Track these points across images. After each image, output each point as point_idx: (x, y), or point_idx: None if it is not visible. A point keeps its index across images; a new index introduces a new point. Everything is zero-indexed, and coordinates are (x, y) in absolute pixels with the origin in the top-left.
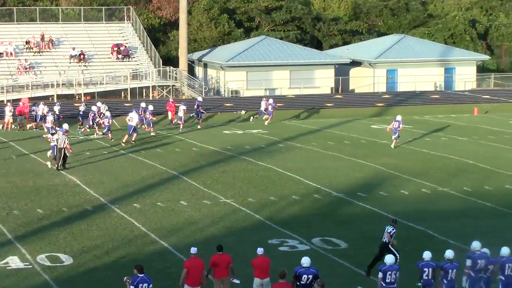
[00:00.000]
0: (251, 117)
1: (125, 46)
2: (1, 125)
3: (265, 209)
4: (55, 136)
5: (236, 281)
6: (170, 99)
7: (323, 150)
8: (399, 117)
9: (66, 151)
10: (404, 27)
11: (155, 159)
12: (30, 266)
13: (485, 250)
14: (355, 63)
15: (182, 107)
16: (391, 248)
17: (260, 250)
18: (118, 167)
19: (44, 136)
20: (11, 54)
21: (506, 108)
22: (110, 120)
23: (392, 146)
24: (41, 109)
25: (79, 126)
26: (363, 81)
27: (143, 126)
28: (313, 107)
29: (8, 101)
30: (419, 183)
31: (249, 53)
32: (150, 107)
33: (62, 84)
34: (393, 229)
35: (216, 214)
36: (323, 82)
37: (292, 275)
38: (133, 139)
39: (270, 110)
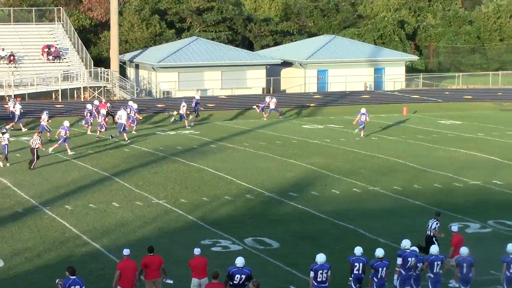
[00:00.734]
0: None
1: (56, 47)
2: None
3: (198, 210)
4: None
5: (170, 281)
6: (103, 100)
7: (255, 151)
8: (363, 110)
9: (38, 151)
10: (334, 28)
11: (86, 160)
12: None
13: (415, 248)
14: (286, 64)
15: (182, 104)
16: (435, 242)
17: (197, 251)
18: (49, 169)
19: None
20: None
21: (434, 108)
22: (106, 118)
23: (362, 135)
24: None
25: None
26: (294, 81)
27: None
28: (249, 107)
29: None
30: (350, 183)
31: (181, 54)
32: (135, 105)
33: None
34: (437, 224)
35: (149, 215)
36: (254, 82)
37: (225, 276)
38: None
39: (273, 107)
